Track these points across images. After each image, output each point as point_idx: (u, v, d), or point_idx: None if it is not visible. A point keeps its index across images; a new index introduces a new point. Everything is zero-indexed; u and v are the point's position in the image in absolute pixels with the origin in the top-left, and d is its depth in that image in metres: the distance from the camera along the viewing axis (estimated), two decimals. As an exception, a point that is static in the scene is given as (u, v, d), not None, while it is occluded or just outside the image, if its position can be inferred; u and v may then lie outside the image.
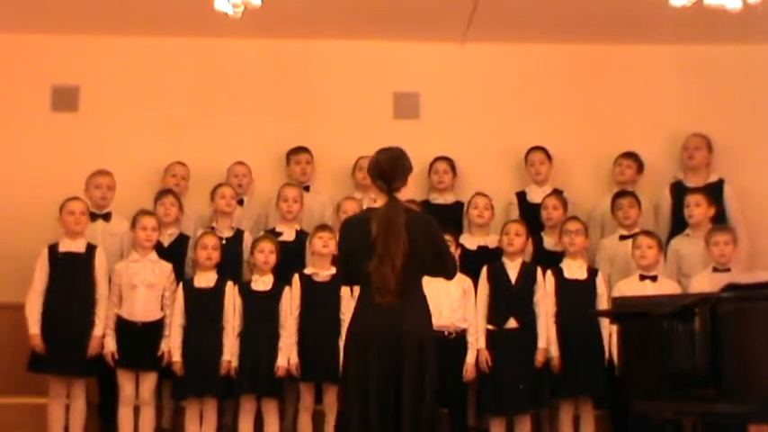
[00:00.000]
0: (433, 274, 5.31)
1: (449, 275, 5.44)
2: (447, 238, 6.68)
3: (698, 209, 7.45)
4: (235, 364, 6.93)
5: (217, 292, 7.02)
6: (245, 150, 8.12)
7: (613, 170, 8.07)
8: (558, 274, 7.14)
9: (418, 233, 5.09)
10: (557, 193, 7.83)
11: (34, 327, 6.91)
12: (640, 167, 8.04)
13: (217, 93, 8.30)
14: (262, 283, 7.08)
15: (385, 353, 4.98)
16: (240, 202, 7.85)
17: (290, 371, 6.93)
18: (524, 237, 7.24)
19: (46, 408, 6.94)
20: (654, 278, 7.02)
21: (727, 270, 6.97)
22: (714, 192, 7.70)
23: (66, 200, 7.13)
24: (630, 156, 8.04)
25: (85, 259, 7.07)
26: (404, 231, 5.02)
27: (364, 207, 7.06)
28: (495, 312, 7.06)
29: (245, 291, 7.06)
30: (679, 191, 7.82)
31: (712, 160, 8.04)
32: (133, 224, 7.15)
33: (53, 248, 7.06)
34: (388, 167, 5.23)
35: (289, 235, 7.53)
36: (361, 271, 5.11)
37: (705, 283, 6.63)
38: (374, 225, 5.04)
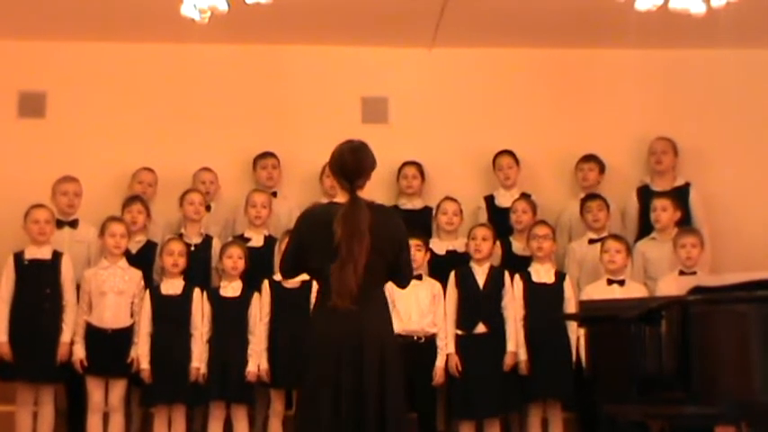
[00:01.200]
0: (389, 278, 5.08)
1: (402, 284, 5.19)
2: (417, 242, 6.72)
3: (664, 213, 7.50)
4: (203, 370, 6.91)
5: (184, 299, 7.00)
6: (212, 156, 8.09)
7: (576, 175, 8.11)
8: (527, 278, 7.16)
9: (383, 233, 4.90)
10: (525, 196, 7.85)
11: (1, 335, 6.87)
12: (602, 169, 8.08)
13: (184, 98, 8.27)
14: (231, 289, 7.07)
15: (344, 358, 4.80)
16: (208, 208, 7.82)
17: (260, 377, 6.92)
18: (491, 241, 7.25)
19: (13, 415, 6.90)
20: (621, 282, 7.05)
21: (694, 273, 7.01)
22: (680, 195, 7.75)
23: (30, 207, 7.08)
24: (591, 158, 8.07)
25: (52, 266, 7.02)
26: (367, 233, 4.82)
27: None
28: (464, 317, 7.08)
29: (214, 297, 7.04)
30: (646, 195, 7.86)
31: (677, 164, 8.10)
32: (102, 231, 7.11)
33: (18, 256, 7.01)
34: (351, 164, 5.00)
35: (257, 240, 7.51)
36: (315, 269, 4.97)
37: (672, 285, 6.65)
38: (337, 226, 4.83)
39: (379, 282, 4.99)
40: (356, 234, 4.81)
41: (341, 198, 5.03)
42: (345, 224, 4.84)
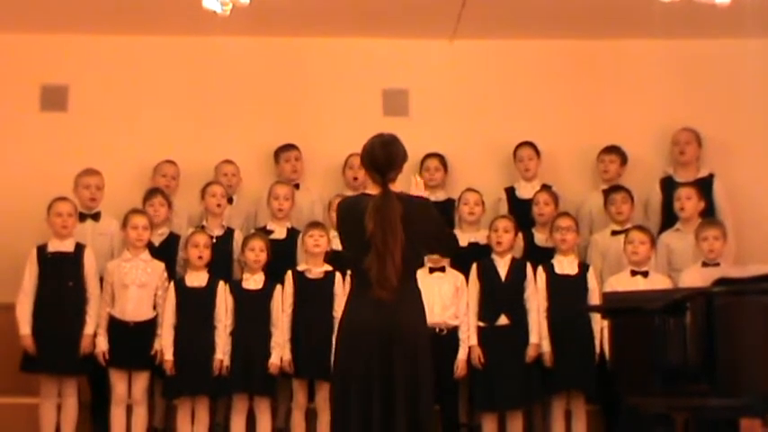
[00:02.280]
0: (437, 252, 5.37)
1: (450, 253, 5.51)
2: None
3: (689, 202, 7.46)
4: (227, 362, 6.93)
5: (209, 292, 7.01)
6: (234, 148, 8.11)
7: (597, 166, 8.08)
8: (550, 269, 7.14)
9: (415, 223, 4.96)
10: (546, 188, 7.83)
11: (25, 327, 6.91)
12: (624, 160, 8.05)
13: (206, 91, 8.28)
14: (253, 281, 7.07)
15: (380, 348, 4.87)
16: (230, 201, 7.83)
17: (283, 368, 6.93)
18: (512, 233, 7.23)
19: (37, 408, 6.94)
20: (645, 273, 7.03)
21: (717, 265, 6.98)
22: (704, 187, 7.71)
23: (53, 200, 7.12)
24: (613, 150, 8.04)
25: (74, 259, 7.06)
26: (400, 225, 4.87)
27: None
28: (486, 309, 7.07)
29: (237, 289, 7.05)
30: (669, 186, 7.82)
31: (701, 155, 8.06)
32: (124, 224, 7.12)
33: (42, 249, 7.05)
34: (383, 157, 5.04)
35: (280, 233, 7.52)
36: (350, 259, 5.03)
37: (695, 277, 6.65)
38: (369, 219, 4.88)
39: (413, 273, 5.06)
40: (388, 227, 4.87)
41: (372, 190, 5.06)
42: (377, 217, 4.88)
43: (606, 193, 7.74)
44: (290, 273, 7.07)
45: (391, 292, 4.86)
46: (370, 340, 4.89)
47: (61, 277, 7.02)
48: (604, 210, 7.71)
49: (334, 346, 5.28)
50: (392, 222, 4.87)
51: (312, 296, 7.01)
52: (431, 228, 5.11)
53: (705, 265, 7.01)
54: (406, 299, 4.97)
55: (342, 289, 6.87)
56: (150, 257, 7.11)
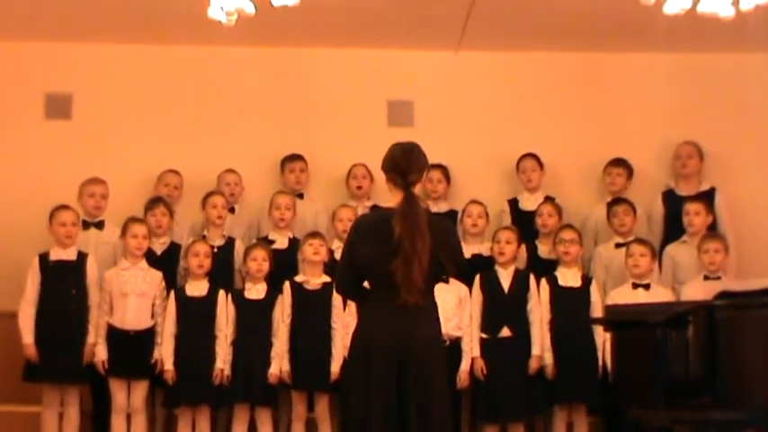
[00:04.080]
0: (449, 266, 5.15)
1: (459, 271, 5.37)
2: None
3: (697, 217, 7.47)
4: (228, 372, 6.92)
5: (210, 301, 7.01)
6: (238, 158, 8.11)
7: (603, 179, 8.09)
8: (553, 281, 7.15)
9: (438, 232, 4.96)
10: (550, 200, 7.84)
11: (28, 336, 6.90)
12: (630, 173, 8.06)
13: (210, 100, 8.29)
14: (255, 291, 7.07)
15: (398, 355, 4.84)
16: (231, 210, 7.84)
17: (281, 378, 6.92)
18: (515, 244, 7.23)
19: (40, 416, 6.93)
20: (647, 286, 7.03)
21: (718, 278, 6.99)
22: (706, 200, 7.71)
23: (54, 208, 7.11)
24: (620, 163, 8.05)
25: (77, 267, 7.05)
26: (427, 229, 4.86)
27: (359, 214, 7.05)
28: (489, 321, 7.07)
29: (239, 299, 7.05)
30: (671, 199, 7.85)
31: (703, 168, 8.06)
32: (123, 232, 7.12)
33: (44, 257, 7.04)
34: (404, 160, 5.03)
35: (282, 243, 7.52)
36: (376, 272, 4.95)
37: (697, 290, 6.65)
38: (396, 224, 4.85)
39: (433, 281, 5.03)
40: (417, 230, 4.85)
41: (393, 201, 5.04)
42: (405, 221, 4.87)
43: (609, 205, 7.74)
44: (287, 284, 7.06)
45: (418, 295, 4.85)
46: (390, 348, 4.86)
47: (64, 286, 7.01)
48: (607, 222, 7.71)
49: (349, 353, 5.23)
50: (420, 225, 4.86)
51: (310, 307, 6.99)
52: (452, 240, 5.14)
53: (707, 278, 7.02)
54: (427, 306, 4.97)
55: (340, 300, 6.87)
56: (148, 266, 7.10)
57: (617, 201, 7.73)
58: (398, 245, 4.83)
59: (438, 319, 5.10)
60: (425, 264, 4.84)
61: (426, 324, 4.97)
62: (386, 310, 4.92)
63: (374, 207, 7.52)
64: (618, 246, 7.49)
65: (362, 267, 5.02)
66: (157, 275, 7.10)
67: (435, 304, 5.09)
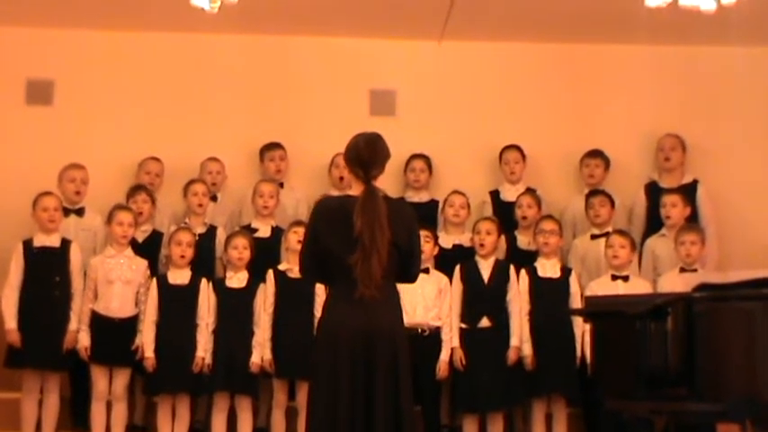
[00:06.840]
0: (398, 274, 5.03)
1: (411, 280, 5.17)
2: (426, 233, 6.71)
3: (674, 209, 7.48)
4: (208, 360, 6.92)
5: (192, 289, 7.00)
6: (219, 146, 8.09)
7: (581, 171, 8.10)
8: (532, 272, 7.16)
9: (399, 225, 4.94)
10: (530, 191, 7.85)
11: (11, 322, 6.89)
12: (608, 165, 8.06)
13: (192, 88, 8.27)
14: (236, 279, 7.07)
15: (360, 348, 4.84)
16: (214, 198, 7.83)
17: (263, 367, 6.93)
18: (495, 235, 7.24)
19: (19, 402, 6.91)
20: (626, 278, 7.05)
21: (694, 270, 7.01)
22: (688, 192, 7.73)
23: (38, 195, 7.09)
24: (597, 154, 8.05)
25: (60, 254, 7.04)
26: (387, 223, 4.86)
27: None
28: (469, 311, 7.08)
29: (220, 288, 7.05)
30: (654, 192, 7.86)
31: (686, 161, 8.09)
32: (109, 219, 7.10)
33: (28, 243, 7.03)
34: (367, 153, 5.01)
35: (264, 231, 7.52)
36: (334, 260, 4.93)
37: (675, 282, 6.67)
38: (357, 217, 4.85)
39: (393, 272, 4.99)
40: (377, 224, 4.84)
41: (355, 191, 5.04)
42: (365, 214, 4.86)
43: (586, 197, 7.75)
44: (271, 272, 7.06)
45: (375, 289, 4.84)
46: (351, 341, 4.85)
47: (48, 272, 7.00)
48: (585, 213, 7.72)
49: (315, 346, 5.25)
50: (380, 218, 4.85)
51: (293, 296, 6.99)
52: (408, 243, 5.01)
53: (683, 270, 7.03)
54: (386, 298, 4.94)
55: (323, 289, 6.86)
56: (133, 254, 7.09)
57: (593, 192, 7.74)
58: (358, 239, 4.83)
59: (399, 308, 5.04)
60: (384, 257, 4.83)
61: (386, 315, 4.92)
62: (345, 301, 4.91)
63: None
64: (593, 237, 7.51)
65: (323, 254, 4.99)
66: (143, 263, 7.09)
67: (397, 294, 5.05)
